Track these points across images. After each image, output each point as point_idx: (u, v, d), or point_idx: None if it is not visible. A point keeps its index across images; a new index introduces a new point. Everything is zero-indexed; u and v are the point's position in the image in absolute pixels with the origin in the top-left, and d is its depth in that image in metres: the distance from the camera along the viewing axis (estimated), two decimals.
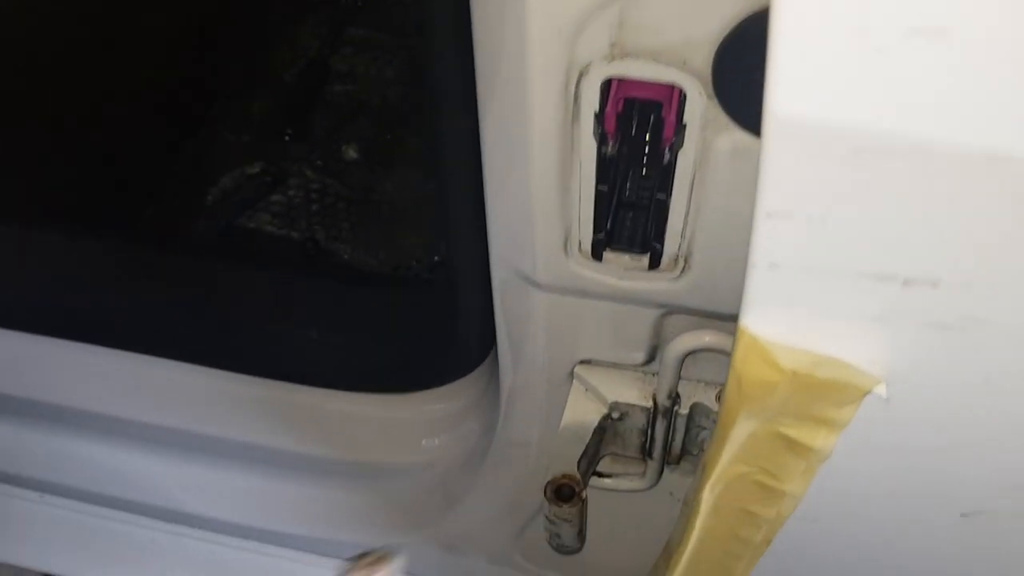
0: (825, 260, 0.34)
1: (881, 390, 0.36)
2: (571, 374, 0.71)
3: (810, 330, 0.36)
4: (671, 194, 0.53)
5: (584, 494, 0.68)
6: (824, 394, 0.37)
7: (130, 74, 1.40)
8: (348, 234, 1.42)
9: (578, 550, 0.75)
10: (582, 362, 0.70)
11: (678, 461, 0.75)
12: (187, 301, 1.11)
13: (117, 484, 1.10)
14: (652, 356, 0.68)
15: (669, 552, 0.63)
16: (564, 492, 0.68)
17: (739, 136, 0.48)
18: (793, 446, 0.41)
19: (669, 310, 0.63)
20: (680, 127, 0.48)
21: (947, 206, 0.31)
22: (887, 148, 0.30)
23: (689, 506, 0.53)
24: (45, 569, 1.24)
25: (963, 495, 0.43)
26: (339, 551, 1.08)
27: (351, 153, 1.52)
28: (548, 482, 0.68)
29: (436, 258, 1.36)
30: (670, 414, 0.69)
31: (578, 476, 0.69)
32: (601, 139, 0.51)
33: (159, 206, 1.46)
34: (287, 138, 1.54)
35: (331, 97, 1.59)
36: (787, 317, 0.36)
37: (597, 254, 0.59)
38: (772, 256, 0.35)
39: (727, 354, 0.63)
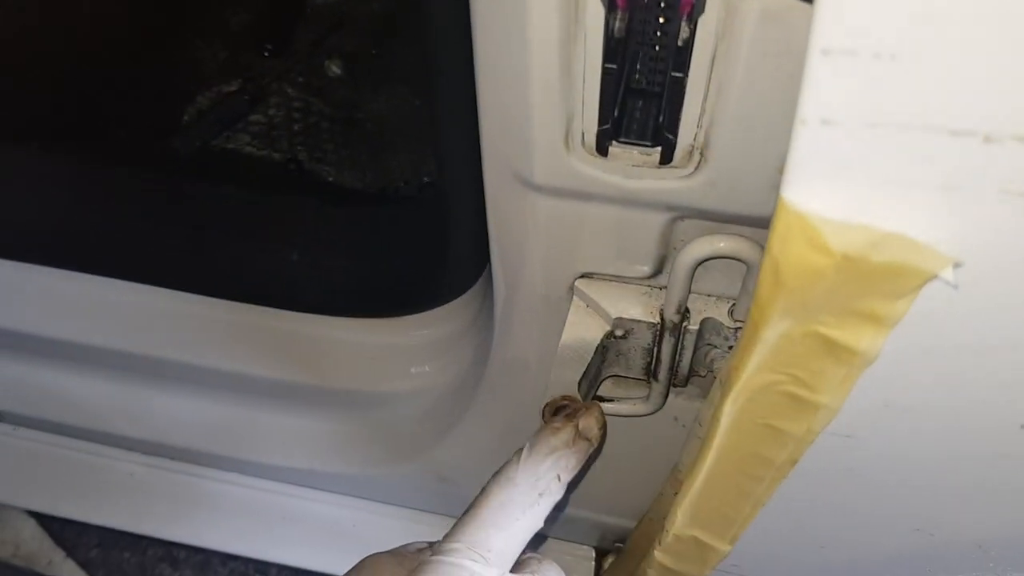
0: (892, 112, 0.28)
1: (949, 274, 0.30)
2: (571, 289, 0.66)
3: (865, 203, 0.30)
4: (688, 72, 0.46)
5: None
6: (879, 282, 0.32)
7: None
8: (332, 155, 1.34)
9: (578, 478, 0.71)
10: (583, 276, 0.65)
11: (685, 383, 0.70)
12: (161, 224, 1.05)
13: (90, 415, 1.05)
14: (660, 268, 0.62)
15: (678, 478, 0.58)
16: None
17: None
18: (833, 349, 0.36)
19: (680, 214, 0.57)
20: None
21: None
22: None
23: (704, 426, 0.48)
24: (22, 505, 1.20)
25: None
26: (325, 483, 1.04)
27: (334, 69, 1.44)
28: (546, 404, 0.63)
29: (425, 179, 1.29)
30: (678, 331, 0.64)
31: (578, 398, 0.64)
32: (609, 5, 0.44)
33: (130, 127, 1.38)
34: (266, 54, 1.45)
35: (312, 9, 1.50)
36: (838, 188, 0.30)
37: (602, 148, 0.52)
38: (827, 108, 0.28)
39: (744, 262, 0.58)
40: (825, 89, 0.28)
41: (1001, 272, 0.31)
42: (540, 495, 0.55)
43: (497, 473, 0.57)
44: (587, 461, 0.59)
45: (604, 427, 0.61)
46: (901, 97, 0.28)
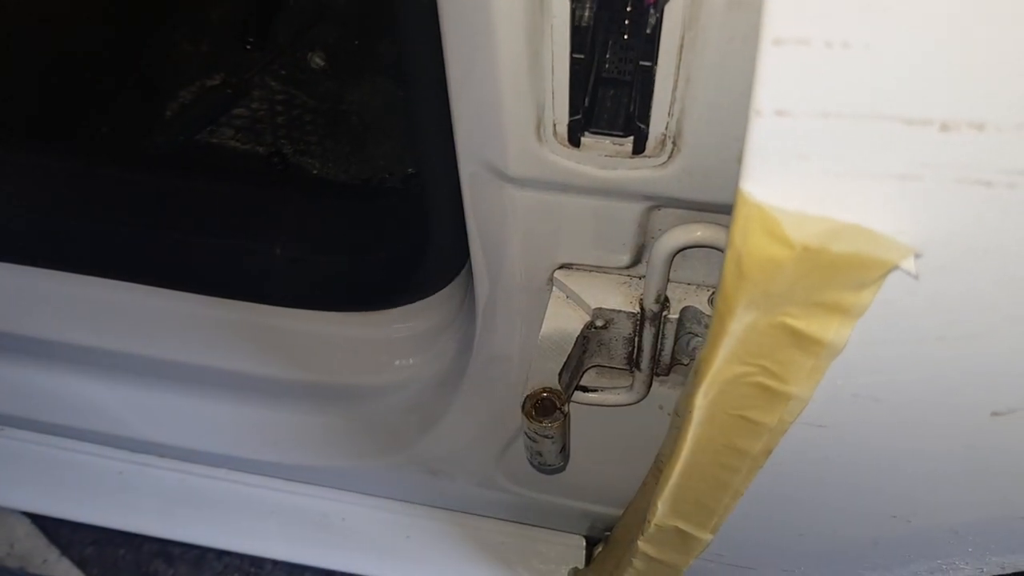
0: (846, 101, 0.27)
1: (911, 265, 0.30)
2: (550, 280, 0.65)
3: (824, 194, 0.30)
4: (656, 60, 0.46)
5: (566, 408, 0.63)
6: (840, 273, 0.31)
7: None
8: (316, 147, 1.34)
9: (561, 469, 0.71)
10: (562, 267, 0.64)
11: (668, 372, 0.69)
12: (144, 221, 1.04)
13: (78, 415, 1.05)
14: (638, 258, 0.62)
15: (659, 468, 0.58)
16: (545, 407, 0.63)
17: None
18: (800, 340, 0.35)
19: (656, 203, 0.57)
20: None
21: (1006, 19, 0.25)
22: None
23: (680, 416, 0.48)
24: (15, 506, 1.20)
25: (996, 390, 0.38)
26: (314, 477, 1.04)
27: (317, 61, 1.43)
28: (527, 396, 0.63)
29: (409, 170, 1.28)
30: (658, 320, 0.63)
31: (559, 389, 0.64)
32: None
33: (113, 123, 1.37)
34: (248, 47, 1.44)
35: (294, 2, 1.49)
36: (796, 179, 0.30)
37: (574, 139, 0.52)
38: (780, 99, 0.28)
39: (721, 250, 0.58)
40: (778, 79, 0.27)
41: (962, 261, 0.31)
42: None
43: None
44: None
45: None
46: (855, 86, 0.27)
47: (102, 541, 1.31)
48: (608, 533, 0.97)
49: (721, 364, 0.38)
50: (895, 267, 0.30)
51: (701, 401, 0.42)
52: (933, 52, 0.26)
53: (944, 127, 0.27)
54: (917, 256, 0.30)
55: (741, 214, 0.31)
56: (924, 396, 0.39)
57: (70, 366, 1.04)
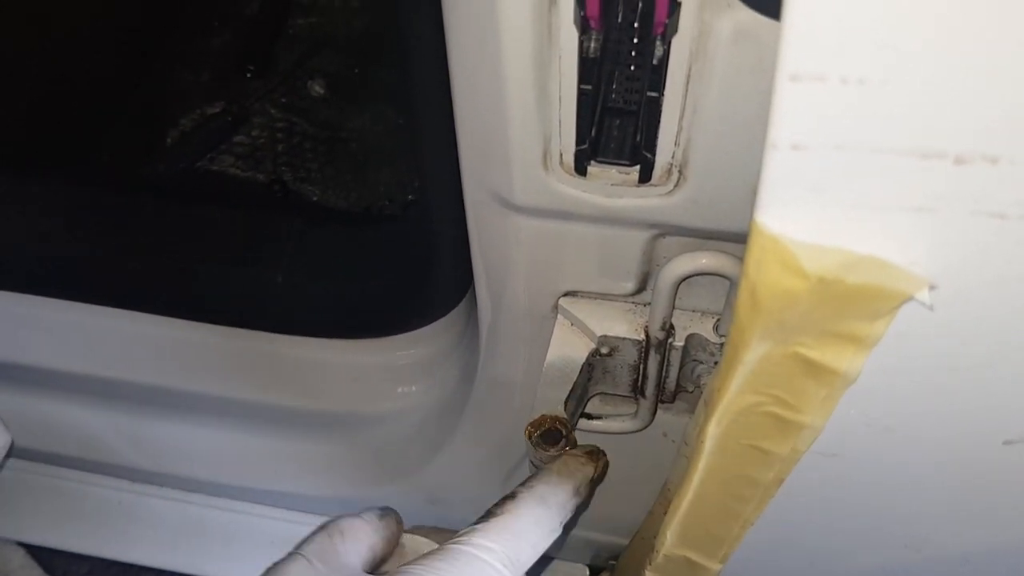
0: (862, 136, 0.28)
1: (926, 296, 0.30)
2: (555, 308, 0.65)
3: (839, 226, 0.30)
4: (663, 91, 0.46)
5: (572, 436, 0.63)
6: (855, 304, 0.31)
7: (78, 7, 1.30)
8: (317, 174, 1.34)
9: None
10: (567, 294, 0.64)
11: (673, 399, 0.69)
12: (146, 248, 1.04)
13: (75, 444, 1.04)
14: (643, 285, 0.62)
15: (667, 497, 0.58)
16: (550, 435, 0.63)
17: (743, 16, 0.41)
18: (814, 370, 0.36)
19: (662, 231, 0.57)
20: (674, 6, 0.41)
21: (1018, 55, 0.25)
22: None
23: (690, 445, 0.48)
24: (9, 536, 1.19)
25: (1008, 419, 0.38)
26: (313, 506, 1.03)
27: (317, 89, 1.44)
28: (532, 424, 0.62)
29: (410, 197, 1.29)
30: (664, 347, 0.63)
31: (565, 417, 0.63)
32: (583, 26, 0.44)
33: (113, 150, 1.37)
34: (249, 75, 1.45)
35: (294, 30, 1.50)
36: (812, 211, 0.30)
37: (581, 168, 0.52)
38: (796, 133, 0.28)
39: (727, 278, 0.58)
40: (794, 114, 0.28)
41: (975, 292, 0.31)
42: (561, 523, 0.55)
43: (528, 487, 0.56)
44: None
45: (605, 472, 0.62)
46: (870, 121, 0.27)
47: (99, 571, 1.29)
48: (613, 562, 0.96)
49: (734, 394, 0.38)
50: (910, 298, 0.30)
51: (713, 431, 0.42)
52: (947, 88, 0.27)
53: (958, 160, 0.28)
54: (932, 288, 0.30)
55: (756, 245, 0.31)
56: (936, 425, 0.39)
57: (67, 394, 1.04)
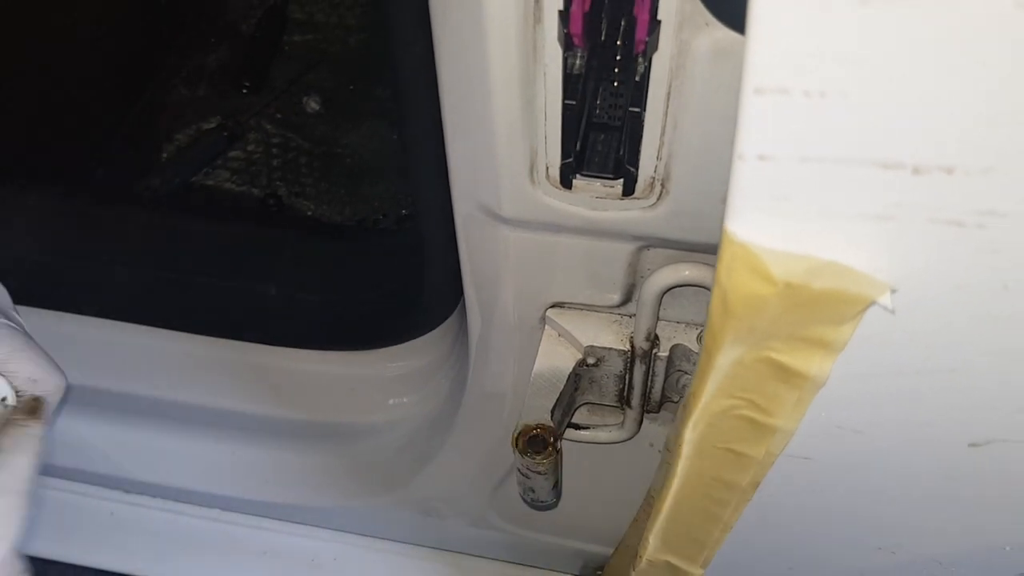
0: (824, 146, 0.29)
1: (887, 300, 0.32)
2: (543, 319, 0.67)
3: (805, 233, 0.32)
4: (645, 107, 0.48)
5: (559, 444, 0.64)
6: (821, 309, 0.33)
7: (76, 23, 1.32)
8: (311, 189, 1.36)
9: (554, 505, 0.71)
10: (554, 305, 0.66)
11: (658, 409, 0.71)
12: (140, 262, 1.05)
13: (68, 454, 1.05)
14: (628, 296, 0.64)
15: (650, 503, 0.59)
16: (537, 443, 0.64)
17: (720, 34, 0.43)
18: (784, 373, 0.37)
19: (646, 243, 0.58)
20: (654, 25, 0.43)
21: (970, 69, 0.26)
22: None
23: (670, 451, 0.49)
24: None
25: (973, 422, 0.39)
26: (306, 517, 1.04)
27: (312, 105, 1.46)
28: (519, 432, 0.64)
29: (404, 211, 1.30)
30: (649, 358, 0.65)
31: (551, 425, 0.65)
32: (567, 43, 0.46)
33: (110, 165, 1.39)
34: (244, 91, 1.47)
35: (290, 47, 1.53)
36: (778, 219, 0.32)
37: (566, 181, 0.54)
38: (762, 144, 0.30)
39: (709, 289, 0.59)
40: (760, 126, 0.29)
41: (937, 298, 0.33)
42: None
43: None
44: None
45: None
46: (832, 133, 0.29)
47: None
48: (600, 572, 0.97)
49: (709, 398, 0.40)
50: (873, 303, 0.32)
51: (690, 435, 0.43)
52: (904, 101, 0.28)
53: (916, 170, 0.29)
54: (893, 292, 0.32)
55: (726, 252, 0.32)
56: (903, 429, 0.40)
57: (61, 406, 1.04)
